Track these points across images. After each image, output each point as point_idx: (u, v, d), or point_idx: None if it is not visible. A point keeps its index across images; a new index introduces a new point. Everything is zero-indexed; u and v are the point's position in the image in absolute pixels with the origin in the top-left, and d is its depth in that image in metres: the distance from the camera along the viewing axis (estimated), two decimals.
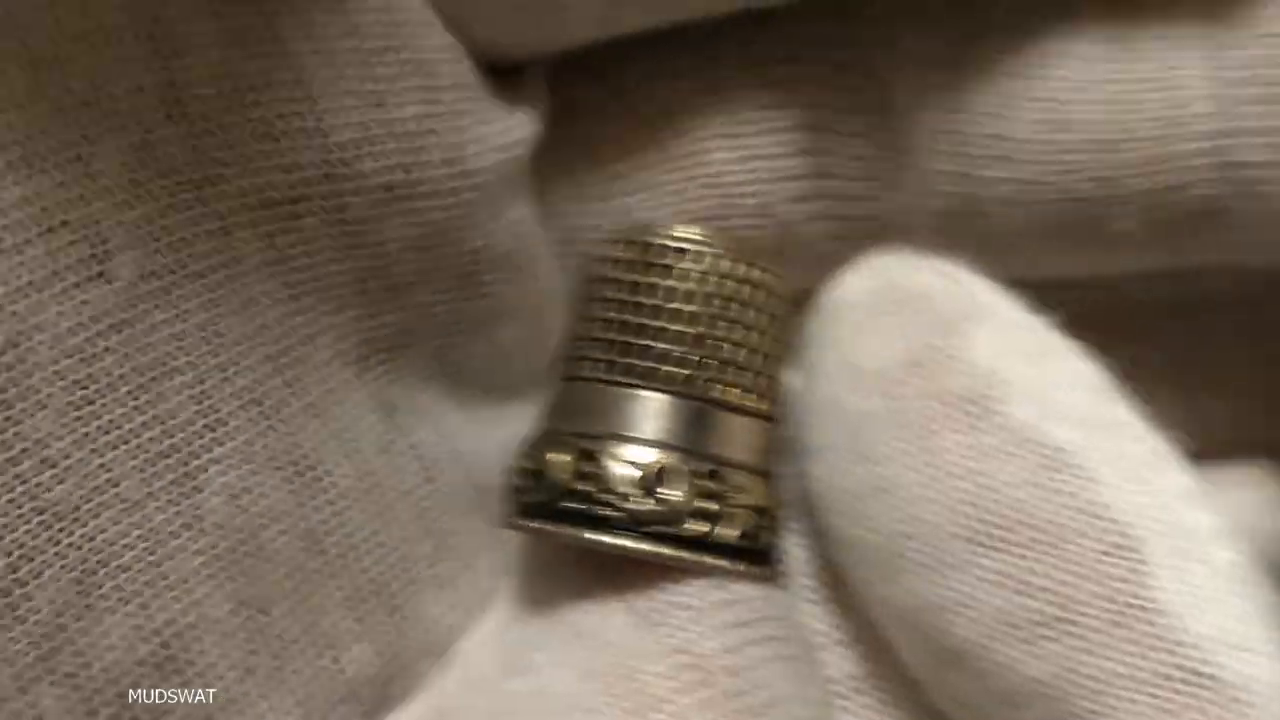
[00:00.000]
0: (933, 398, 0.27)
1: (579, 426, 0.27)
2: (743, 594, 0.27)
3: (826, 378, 0.28)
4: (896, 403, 0.27)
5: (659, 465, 0.26)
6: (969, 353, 0.27)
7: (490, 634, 0.29)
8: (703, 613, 0.26)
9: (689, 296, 0.27)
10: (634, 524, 0.26)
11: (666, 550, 0.26)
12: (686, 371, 0.27)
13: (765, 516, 0.28)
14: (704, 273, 0.28)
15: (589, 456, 0.27)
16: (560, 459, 0.27)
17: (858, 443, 0.27)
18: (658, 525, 0.26)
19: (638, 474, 0.26)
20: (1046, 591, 0.25)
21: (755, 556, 0.28)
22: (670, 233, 0.28)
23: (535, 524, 0.27)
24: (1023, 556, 0.25)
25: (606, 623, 0.27)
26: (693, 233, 0.28)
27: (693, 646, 0.26)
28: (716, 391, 0.27)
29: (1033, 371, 0.27)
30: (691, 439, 0.27)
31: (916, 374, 0.27)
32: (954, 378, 0.27)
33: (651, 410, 0.27)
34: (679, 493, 0.26)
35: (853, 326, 0.28)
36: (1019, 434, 0.26)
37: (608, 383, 0.27)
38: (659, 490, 0.26)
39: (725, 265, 0.28)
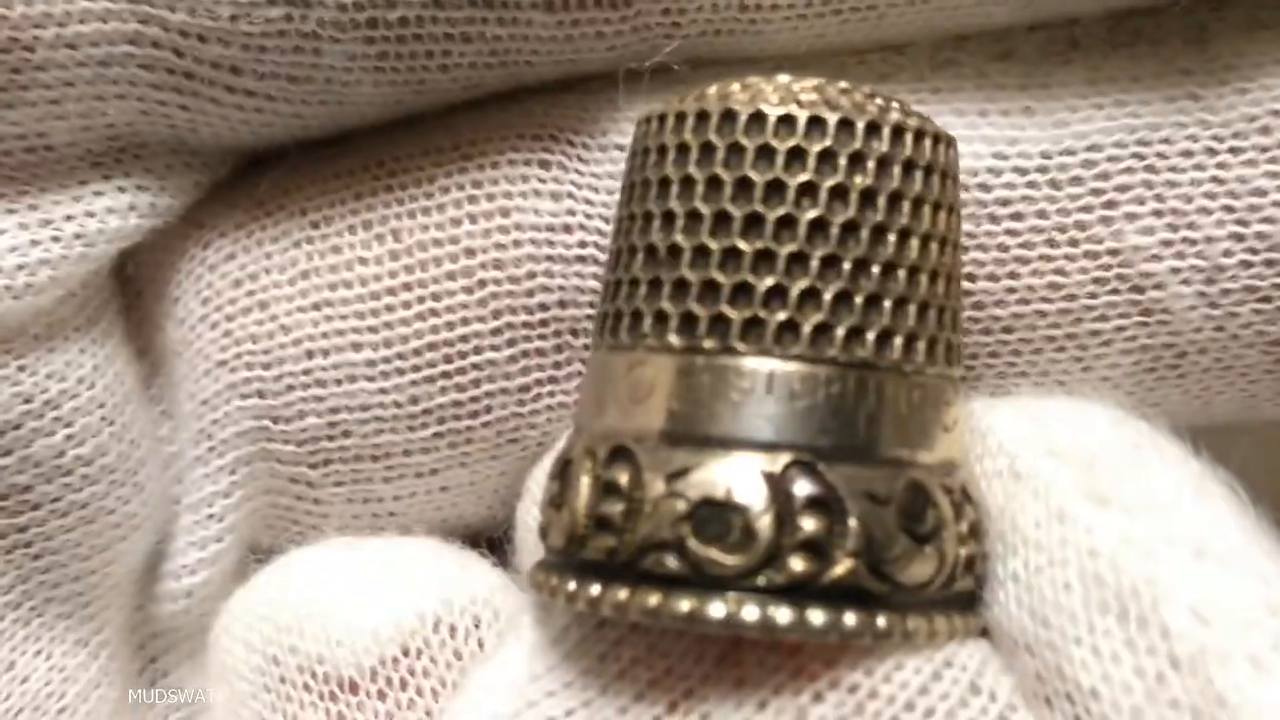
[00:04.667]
0: None
1: (624, 424, 0.16)
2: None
3: None
4: None
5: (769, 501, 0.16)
6: None
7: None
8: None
9: (811, 195, 0.16)
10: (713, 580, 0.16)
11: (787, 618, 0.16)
12: (823, 323, 0.16)
13: (968, 544, 0.17)
14: (839, 155, 0.16)
15: (623, 474, 0.16)
16: (585, 485, 0.17)
17: None
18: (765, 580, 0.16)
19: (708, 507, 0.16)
20: None
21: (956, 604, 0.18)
22: (766, 93, 0.16)
23: (556, 583, 0.18)
24: None
25: None
26: (806, 89, 0.16)
27: None
28: (876, 352, 0.16)
29: None
30: (834, 435, 0.16)
31: None
32: None
33: (759, 390, 0.16)
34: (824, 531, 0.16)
35: None
36: None
37: (677, 350, 0.16)
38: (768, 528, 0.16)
39: (875, 142, 0.16)
